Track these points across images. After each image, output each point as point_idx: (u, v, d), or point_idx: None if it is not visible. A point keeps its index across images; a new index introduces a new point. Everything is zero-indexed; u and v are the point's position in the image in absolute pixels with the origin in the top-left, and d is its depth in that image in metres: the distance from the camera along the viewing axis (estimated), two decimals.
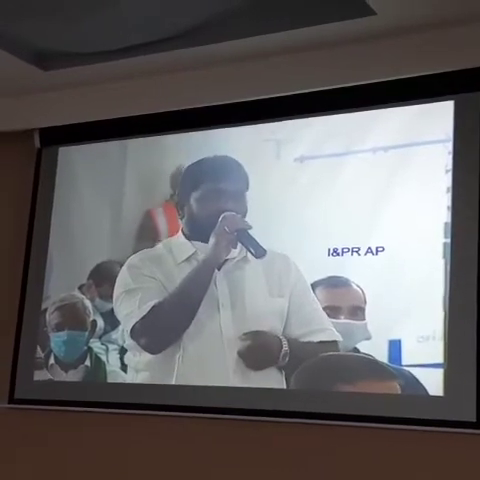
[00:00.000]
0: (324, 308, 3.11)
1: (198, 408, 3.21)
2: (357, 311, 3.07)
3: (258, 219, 3.28)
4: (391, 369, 2.93)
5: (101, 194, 3.70)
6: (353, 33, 3.00)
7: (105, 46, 3.35)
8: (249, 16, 3.02)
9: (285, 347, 3.11)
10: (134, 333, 3.35)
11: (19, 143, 3.85)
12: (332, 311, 3.10)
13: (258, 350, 3.18)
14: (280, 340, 3.12)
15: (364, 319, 3.04)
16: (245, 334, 3.19)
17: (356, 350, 3.03)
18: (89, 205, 3.71)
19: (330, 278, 3.14)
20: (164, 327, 3.32)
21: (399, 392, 2.92)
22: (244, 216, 3.29)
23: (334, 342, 3.06)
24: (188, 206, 3.38)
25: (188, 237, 3.37)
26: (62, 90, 3.65)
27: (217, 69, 3.34)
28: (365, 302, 3.05)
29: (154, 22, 3.15)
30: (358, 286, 3.08)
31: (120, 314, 3.43)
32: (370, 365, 2.97)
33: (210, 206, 3.33)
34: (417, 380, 2.89)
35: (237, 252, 3.28)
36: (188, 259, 3.34)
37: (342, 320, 3.08)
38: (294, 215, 3.24)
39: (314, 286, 3.15)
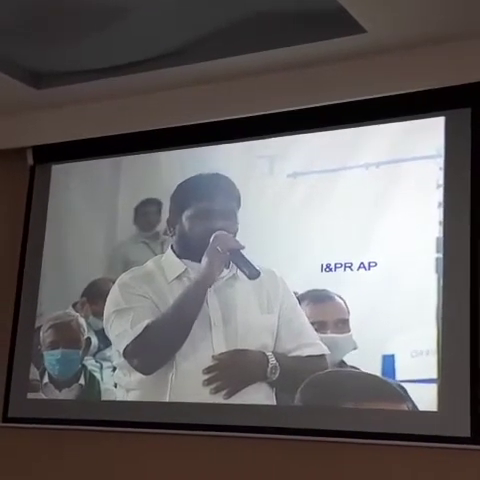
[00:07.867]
0: (311, 323, 3.11)
1: (192, 425, 3.20)
2: (342, 324, 3.07)
3: (251, 235, 3.28)
4: (401, 391, 2.90)
5: (95, 211, 3.70)
6: (344, 51, 3.02)
7: (97, 65, 3.37)
8: (240, 35, 3.05)
9: (272, 361, 3.10)
10: (127, 354, 3.31)
11: (12, 161, 3.86)
12: (319, 326, 3.10)
13: (240, 368, 3.17)
14: (265, 355, 3.11)
15: (349, 331, 3.05)
16: (223, 353, 3.18)
17: (345, 364, 3.03)
18: (83, 222, 3.71)
19: (312, 292, 3.14)
20: (157, 347, 3.30)
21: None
22: (235, 235, 3.28)
23: (322, 356, 3.06)
24: (180, 224, 3.37)
25: (178, 255, 3.36)
26: (55, 108, 3.66)
27: (210, 87, 3.35)
28: (348, 313, 3.06)
29: (145, 41, 3.17)
30: (340, 297, 3.08)
31: (111, 334, 3.39)
32: (379, 385, 2.95)
33: (201, 225, 3.31)
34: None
35: (227, 270, 3.27)
36: (179, 277, 3.32)
37: (329, 334, 3.08)
38: (287, 231, 3.24)
39: (299, 300, 3.15)
